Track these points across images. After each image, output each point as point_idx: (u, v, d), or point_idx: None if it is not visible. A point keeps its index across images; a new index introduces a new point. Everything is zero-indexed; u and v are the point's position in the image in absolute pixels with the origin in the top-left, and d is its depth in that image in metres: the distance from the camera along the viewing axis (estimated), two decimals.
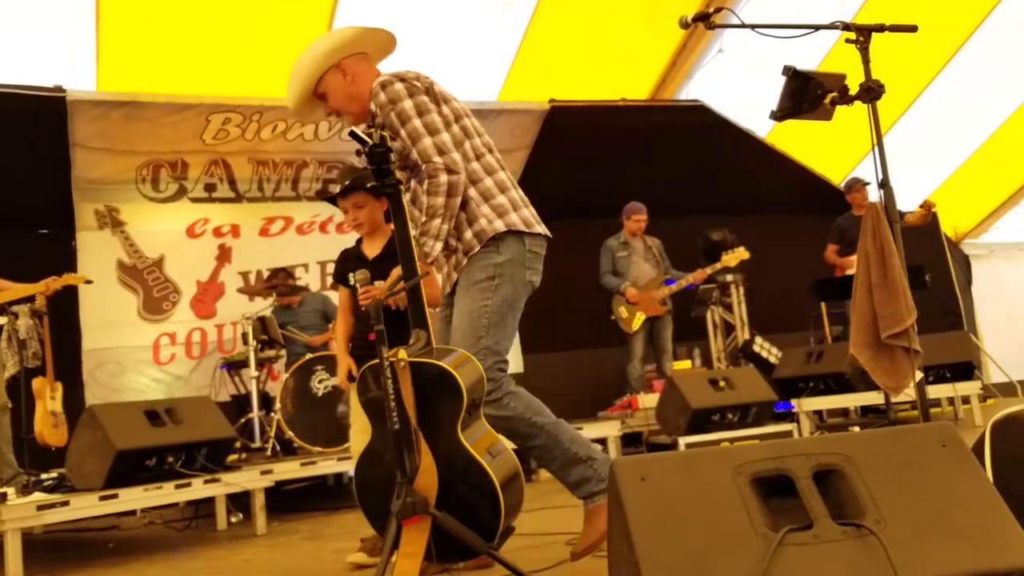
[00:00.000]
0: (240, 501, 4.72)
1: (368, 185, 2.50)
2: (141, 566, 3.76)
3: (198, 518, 4.94)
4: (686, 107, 8.00)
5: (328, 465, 5.07)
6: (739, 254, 7.00)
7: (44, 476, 4.50)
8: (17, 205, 6.27)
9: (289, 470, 4.86)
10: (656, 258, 7.29)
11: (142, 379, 6.89)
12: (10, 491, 3.96)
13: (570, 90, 7.72)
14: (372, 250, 3.24)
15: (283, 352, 6.37)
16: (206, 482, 4.21)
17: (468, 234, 2.61)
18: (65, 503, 3.69)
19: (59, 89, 5.97)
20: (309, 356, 5.76)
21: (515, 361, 8.29)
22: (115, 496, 3.84)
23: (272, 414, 5.65)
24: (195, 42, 6.47)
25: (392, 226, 2.57)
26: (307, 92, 2.75)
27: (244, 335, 6.06)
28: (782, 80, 3.17)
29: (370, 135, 2.27)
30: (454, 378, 2.35)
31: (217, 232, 7.39)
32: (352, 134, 2.27)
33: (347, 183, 3.14)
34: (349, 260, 3.25)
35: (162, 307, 7.07)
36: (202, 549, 4.13)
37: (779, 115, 3.14)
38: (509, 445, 2.57)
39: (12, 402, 4.70)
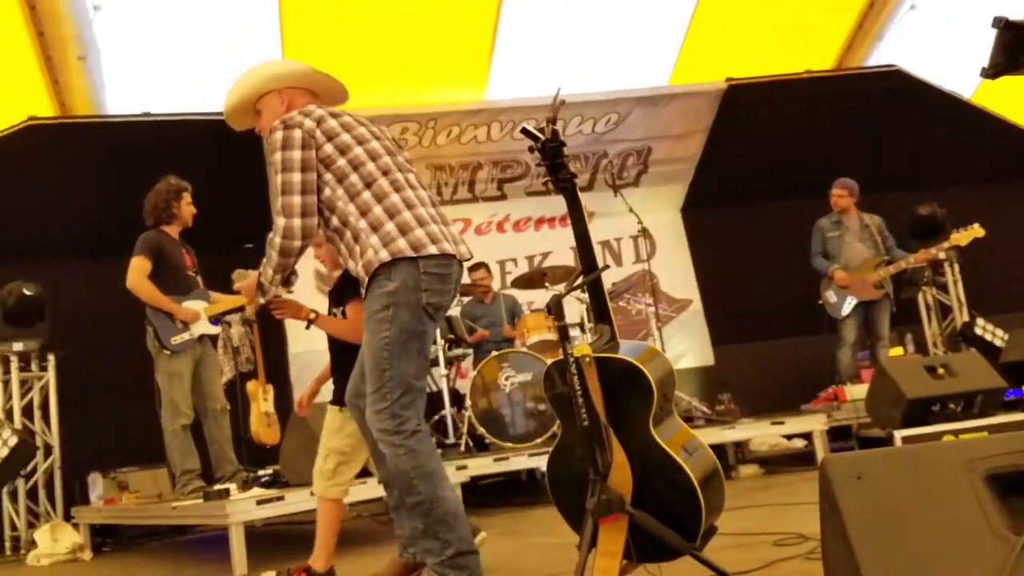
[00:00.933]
0: None
1: (542, 180, 2.49)
2: (352, 558, 3.94)
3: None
4: (879, 73, 7.46)
5: (520, 461, 5.13)
6: (972, 231, 6.23)
7: (260, 472, 4.85)
8: (226, 223, 6.80)
9: (483, 466, 4.96)
10: (874, 238, 6.63)
11: None
12: (232, 487, 4.32)
13: (747, 66, 7.41)
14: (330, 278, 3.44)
15: (470, 350, 6.54)
16: None
17: (360, 267, 2.60)
18: (280, 498, 3.95)
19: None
20: (495, 353, 5.87)
21: (704, 354, 8.09)
22: None
23: (463, 411, 5.80)
24: (371, 56, 6.77)
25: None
26: (247, 102, 2.87)
27: None
28: (991, 33, 2.86)
29: (542, 130, 2.26)
30: (642, 373, 2.30)
31: None
32: (524, 131, 2.27)
33: None
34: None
35: None
36: None
37: (991, 72, 2.83)
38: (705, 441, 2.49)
39: (230, 404, 5.11)
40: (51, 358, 6.13)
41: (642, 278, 7.27)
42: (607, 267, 2.53)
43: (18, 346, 5.97)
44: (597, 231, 7.94)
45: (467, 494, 4.81)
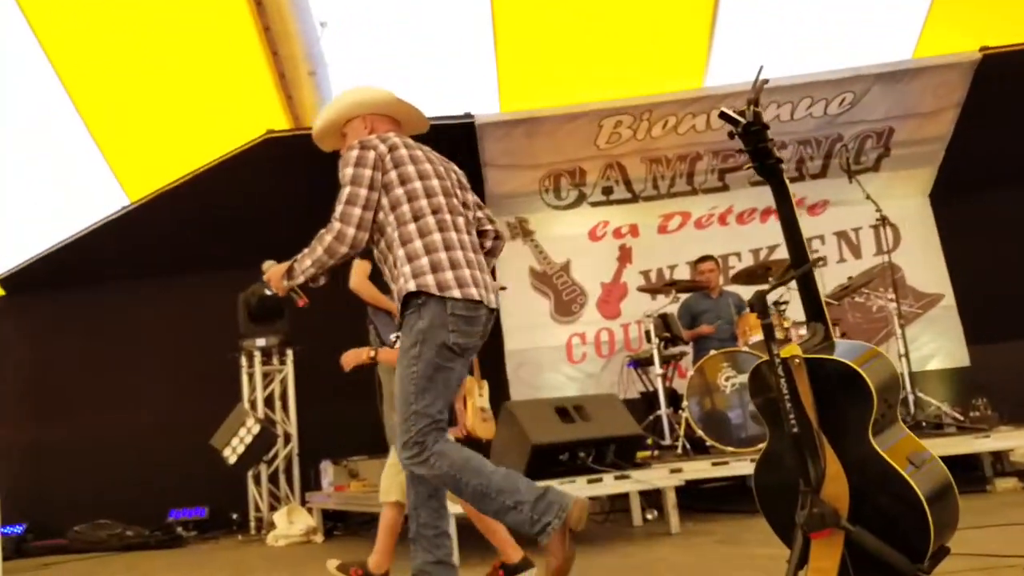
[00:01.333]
0: (654, 498, 4.80)
1: (746, 167, 2.35)
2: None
3: (615, 512, 5.13)
4: None
5: (741, 466, 4.92)
6: None
7: None
8: None
9: (699, 469, 4.82)
10: None
11: (558, 376, 7.42)
12: None
13: (1005, 33, 6.65)
14: None
15: (688, 347, 6.39)
16: (616, 478, 4.34)
17: (394, 292, 2.81)
18: None
19: (468, 116, 6.69)
20: (713, 352, 5.69)
21: (957, 354, 7.39)
22: None
23: (680, 411, 5.68)
24: (581, 51, 6.80)
25: None
26: (336, 125, 3.10)
27: (647, 332, 6.19)
28: None
29: (742, 113, 2.14)
30: (860, 376, 2.12)
31: (617, 233, 7.68)
32: (722, 115, 2.17)
33: None
34: None
35: (571, 309, 7.54)
36: (617, 544, 4.27)
37: None
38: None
39: None
40: (289, 353, 6.74)
41: (883, 271, 6.74)
42: (820, 260, 2.37)
43: (260, 342, 6.63)
44: (832, 221, 7.59)
45: (686, 498, 4.70)
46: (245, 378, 6.66)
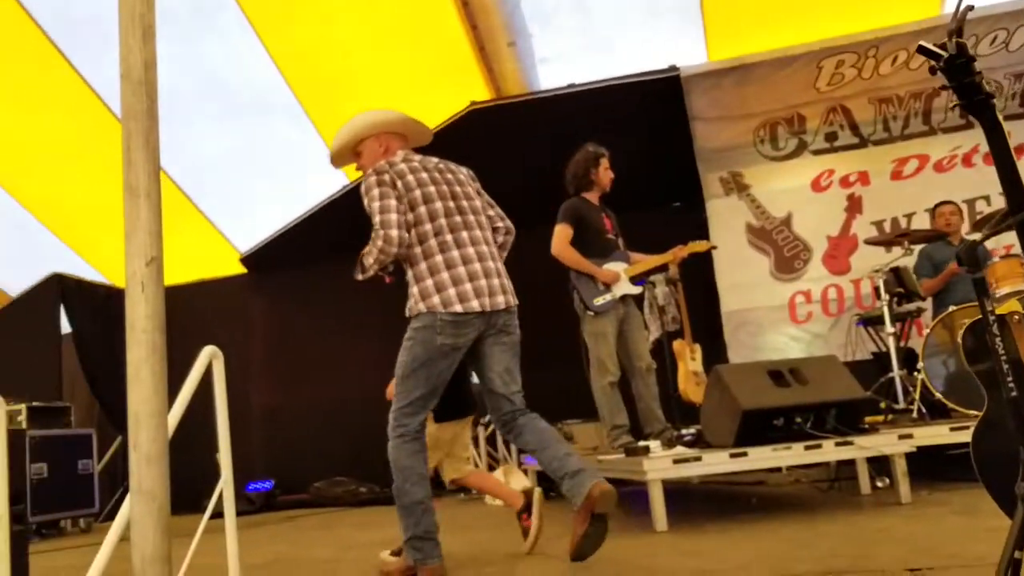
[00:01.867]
0: (885, 465, 4.58)
1: (952, 106, 2.18)
2: (776, 524, 3.91)
3: (842, 480, 4.95)
4: None
5: None
6: None
7: (684, 431, 5.02)
8: (647, 185, 7.08)
9: (933, 435, 4.51)
10: None
11: (780, 338, 7.18)
12: (655, 444, 4.54)
13: None
14: None
15: (925, 303, 5.96)
16: (837, 444, 4.18)
17: (409, 301, 3.43)
18: (698, 459, 4.06)
19: (673, 68, 6.57)
20: (953, 308, 5.28)
21: None
22: (744, 454, 4.07)
23: (915, 373, 5.34)
24: None
25: None
26: (349, 145, 3.58)
27: (877, 289, 5.84)
28: None
29: (943, 46, 1.98)
30: None
31: (844, 182, 7.26)
32: (921, 49, 2.01)
33: None
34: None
35: (793, 266, 7.25)
36: (841, 513, 4.12)
37: None
38: None
39: (656, 363, 5.36)
40: None
41: None
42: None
43: None
44: None
45: (923, 466, 4.44)
46: None
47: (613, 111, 6.65)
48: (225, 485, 2.95)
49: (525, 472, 6.05)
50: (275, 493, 7.37)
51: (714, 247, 5.85)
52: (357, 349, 7.82)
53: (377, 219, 3.31)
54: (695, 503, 5.27)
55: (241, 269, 8.40)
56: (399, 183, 3.35)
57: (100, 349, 8.04)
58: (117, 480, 7.92)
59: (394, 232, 3.28)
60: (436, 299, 3.33)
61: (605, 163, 5.29)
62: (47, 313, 7.97)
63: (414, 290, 3.38)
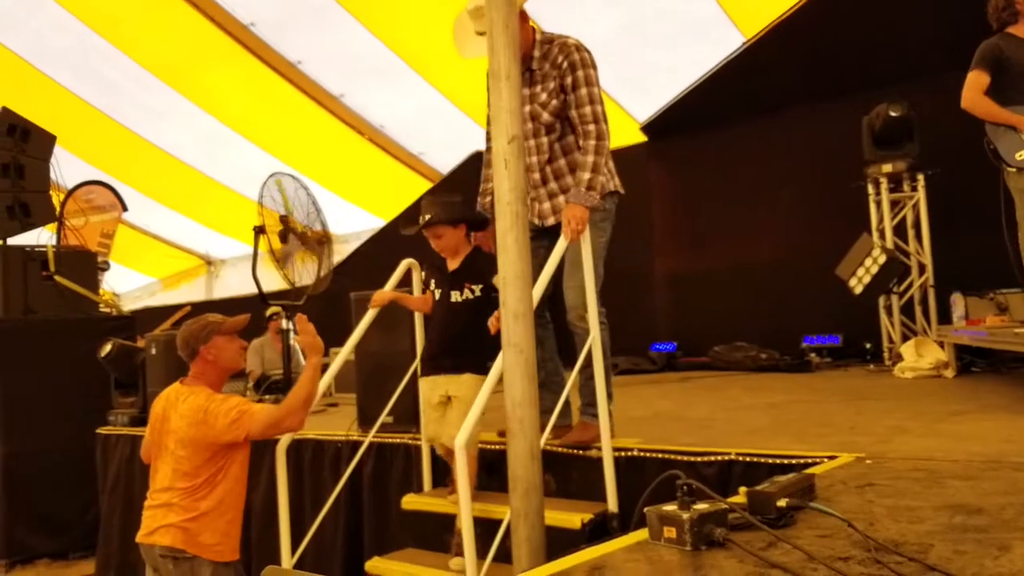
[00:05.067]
0: None
1: None
2: None
3: None
4: None
5: None
6: None
7: None
8: None
9: None
10: None
11: None
12: None
13: None
14: (452, 264, 3.76)
15: None
16: None
17: (598, 176, 3.46)
18: None
19: None
20: None
21: None
22: None
23: None
24: None
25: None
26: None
27: None
28: None
29: None
30: None
31: None
32: None
33: (427, 218, 3.69)
34: (433, 269, 3.86)
35: None
36: None
37: None
38: None
39: None
40: (920, 178, 6.42)
41: None
42: None
43: (887, 167, 6.43)
44: None
45: None
46: (872, 206, 6.58)
47: None
48: (593, 343, 3.21)
49: (941, 345, 5.63)
50: (676, 355, 7.70)
51: None
52: (761, 214, 7.72)
53: (599, 108, 3.46)
54: None
55: (641, 137, 8.62)
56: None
57: None
58: None
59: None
60: (618, 180, 3.54)
61: None
62: (472, 187, 8.97)
63: (607, 166, 3.53)
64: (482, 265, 3.59)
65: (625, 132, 8.49)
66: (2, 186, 6.65)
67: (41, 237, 6.82)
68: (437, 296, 3.74)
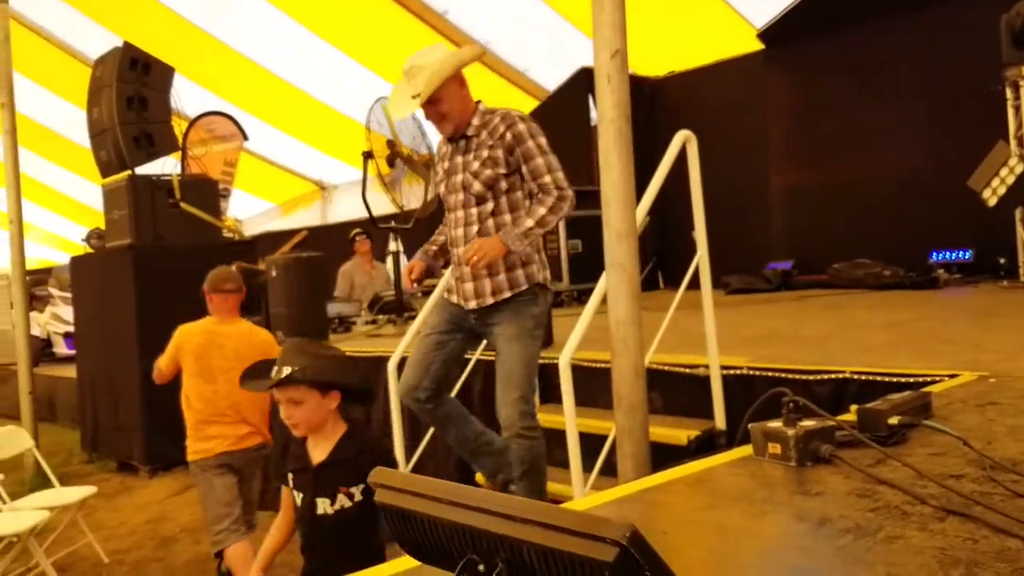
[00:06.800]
0: None
1: None
2: None
3: None
4: None
5: None
6: None
7: None
8: None
9: None
10: None
11: None
12: None
13: None
14: (318, 453, 2.48)
15: None
16: None
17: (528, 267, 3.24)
18: None
19: None
20: None
21: None
22: None
23: None
24: None
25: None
26: (431, 89, 3.13)
27: None
28: None
29: None
30: None
31: None
32: None
33: (283, 372, 2.41)
34: (290, 460, 2.57)
35: None
36: None
37: None
38: None
39: None
40: None
41: None
42: None
43: None
44: None
45: None
46: (1010, 112, 6.18)
47: None
48: (700, 261, 3.18)
49: None
50: (792, 273, 7.49)
51: None
52: (887, 123, 7.35)
53: (559, 174, 3.21)
54: None
55: (757, 45, 8.28)
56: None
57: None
58: None
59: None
60: (548, 273, 3.36)
61: None
62: (578, 104, 8.85)
63: (538, 256, 3.29)
64: (363, 454, 2.43)
65: (740, 40, 8.17)
66: (128, 118, 6.94)
67: (166, 166, 7.11)
68: (298, 502, 2.51)
